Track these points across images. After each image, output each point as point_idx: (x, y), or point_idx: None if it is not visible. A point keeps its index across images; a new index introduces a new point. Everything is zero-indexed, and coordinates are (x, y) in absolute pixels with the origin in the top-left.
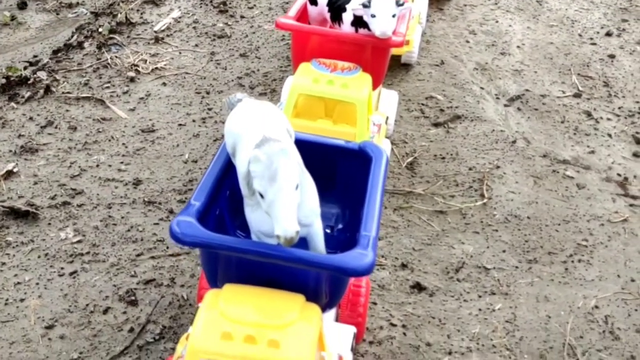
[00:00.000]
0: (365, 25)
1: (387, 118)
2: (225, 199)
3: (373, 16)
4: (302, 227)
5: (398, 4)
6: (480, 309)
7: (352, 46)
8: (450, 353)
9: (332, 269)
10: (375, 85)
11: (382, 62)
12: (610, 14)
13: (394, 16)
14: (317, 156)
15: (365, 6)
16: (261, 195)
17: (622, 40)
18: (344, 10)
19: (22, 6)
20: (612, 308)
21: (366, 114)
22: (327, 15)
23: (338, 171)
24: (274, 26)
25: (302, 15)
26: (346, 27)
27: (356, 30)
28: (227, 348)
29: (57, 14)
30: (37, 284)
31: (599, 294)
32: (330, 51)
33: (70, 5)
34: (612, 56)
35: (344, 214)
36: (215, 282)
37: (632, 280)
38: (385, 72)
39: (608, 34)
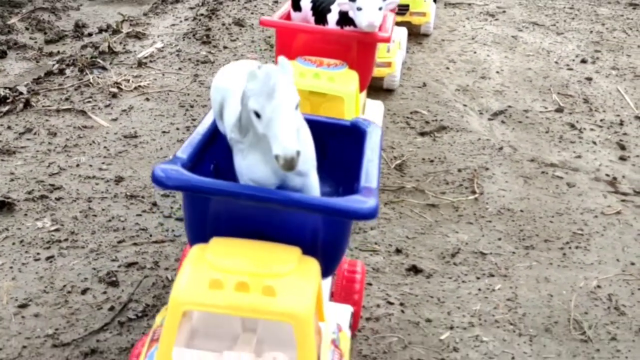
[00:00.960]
0: (350, 22)
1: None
2: (209, 171)
3: (359, 9)
4: (299, 176)
5: None
6: (479, 289)
7: (337, 44)
8: (451, 328)
9: (335, 212)
10: (362, 86)
11: (369, 59)
12: (583, 46)
13: (380, 9)
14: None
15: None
16: (257, 115)
17: (597, 66)
18: (329, 11)
19: (2, 55)
20: (615, 287)
21: (354, 111)
22: (312, 20)
23: (330, 149)
24: (258, 23)
25: (287, 19)
26: (331, 27)
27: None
28: (215, 297)
29: (37, 62)
30: (11, 267)
31: (599, 275)
32: (316, 50)
33: (50, 54)
34: (589, 78)
35: (338, 192)
36: (200, 238)
37: (632, 264)
38: (372, 72)
39: (583, 61)
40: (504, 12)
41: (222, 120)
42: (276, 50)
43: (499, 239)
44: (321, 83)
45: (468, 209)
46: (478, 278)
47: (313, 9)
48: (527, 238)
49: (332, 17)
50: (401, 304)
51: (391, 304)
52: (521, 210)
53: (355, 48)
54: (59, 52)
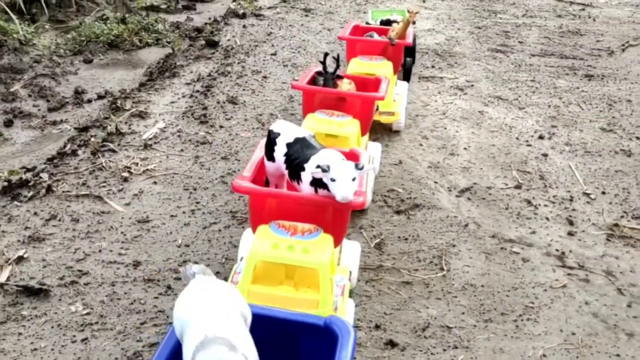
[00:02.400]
0: (325, 186)
1: (350, 273)
2: None
3: (333, 180)
4: None
5: (358, 168)
6: None
7: (312, 207)
8: None
9: None
10: (336, 244)
11: (343, 222)
12: (541, 121)
13: (354, 179)
14: (278, 332)
15: (324, 170)
16: None
17: (553, 142)
18: (303, 169)
19: (9, 124)
20: (557, 356)
21: (329, 279)
22: (285, 172)
23: (300, 349)
24: (248, 134)
25: (260, 172)
26: (305, 186)
27: (315, 191)
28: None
29: (42, 130)
30: (52, 349)
31: (545, 345)
32: (289, 212)
33: (54, 123)
34: (545, 155)
35: None
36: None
37: (573, 334)
38: (346, 230)
39: (541, 137)
40: (472, 85)
41: (182, 343)
42: (249, 213)
43: (463, 313)
44: (295, 255)
45: (437, 285)
46: (444, 350)
47: (287, 161)
48: (486, 312)
49: (307, 176)
50: None
51: None
52: (482, 285)
53: (330, 212)
54: (62, 120)
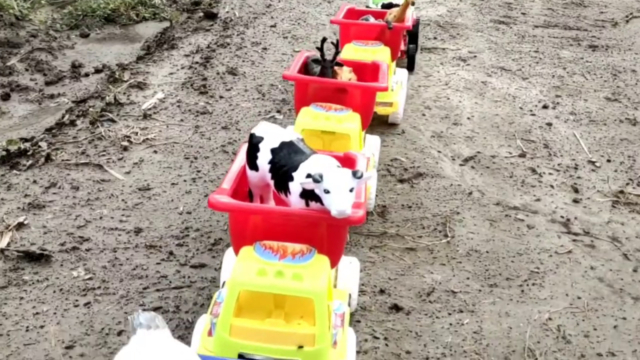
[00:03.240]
0: (318, 198)
1: (350, 295)
2: None
3: (327, 192)
4: None
5: (356, 176)
6: (450, 324)
7: (303, 224)
8: (427, 359)
9: None
10: (332, 265)
11: (340, 240)
12: (545, 91)
13: (351, 190)
14: None
15: (316, 180)
16: None
17: (557, 111)
18: (291, 178)
19: (6, 97)
20: (563, 319)
21: (326, 308)
22: (271, 183)
23: None
24: (249, 105)
25: (241, 183)
26: (294, 198)
27: (307, 204)
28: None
29: (40, 104)
30: (55, 313)
31: (551, 309)
32: (277, 230)
33: (52, 96)
34: (549, 124)
35: None
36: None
37: (579, 298)
38: (344, 248)
39: (545, 107)
40: (475, 57)
41: None
42: (230, 231)
43: (468, 278)
44: (285, 283)
45: (441, 251)
46: (449, 314)
47: (272, 170)
48: (491, 277)
49: (295, 187)
50: (385, 339)
51: (377, 338)
52: (487, 252)
53: (324, 229)
54: (59, 94)
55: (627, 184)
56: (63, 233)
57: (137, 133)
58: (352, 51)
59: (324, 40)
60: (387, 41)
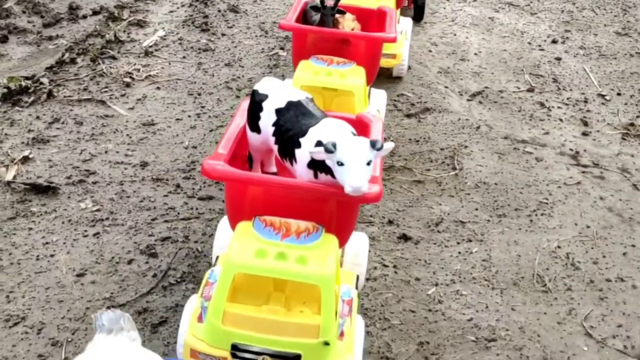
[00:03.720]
0: (329, 169)
1: (357, 277)
2: None
3: (340, 164)
4: None
5: (375, 148)
6: (459, 252)
7: (310, 198)
8: (436, 285)
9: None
10: (340, 244)
11: (351, 219)
12: (554, 26)
13: (369, 163)
14: None
15: (328, 150)
16: None
17: (567, 46)
18: (298, 145)
19: (4, 40)
20: (572, 247)
21: (333, 296)
22: (274, 148)
23: None
24: (252, 43)
25: (241, 145)
26: (301, 168)
27: (315, 175)
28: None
29: (38, 46)
30: (64, 243)
31: (560, 237)
32: (279, 204)
33: (50, 38)
34: (558, 59)
35: None
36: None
37: (588, 227)
38: (354, 227)
39: (554, 42)
40: None
41: None
42: (226, 204)
43: (476, 209)
44: (289, 266)
45: (450, 184)
46: (458, 243)
47: (277, 133)
48: (500, 207)
49: (303, 155)
50: (394, 266)
51: (386, 266)
52: (495, 184)
53: (334, 206)
54: (57, 35)
55: (638, 116)
56: (69, 166)
57: (139, 70)
58: None
59: None
60: None
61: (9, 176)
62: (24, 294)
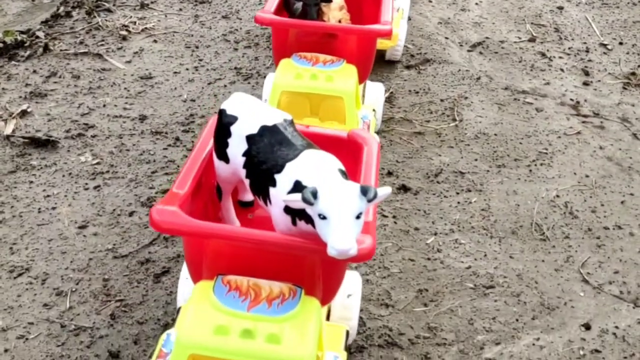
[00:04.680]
0: (309, 216)
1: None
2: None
3: (323, 217)
4: None
5: (367, 197)
6: (458, 202)
7: (285, 256)
8: (435, 234)
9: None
10: (325, 302)
11: (338, 275)
12: None
13: (359, 217)
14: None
15: (307, 201)
16: None
17: None
18: (273, 182)
19: None
20: (571, 196)
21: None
22: (246, 182)
23: None
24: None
25: (207, 173)
26: (276, 211)
27: (293, 222)
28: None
29: (33, 1)
30: (66, 196)
31: (559, 187)
32: (248, 261)
33: None
34: (560, 8)
35: None
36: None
37: (587, 176)
38: (340, 286)
39: None
40: None
41: None
42: None
43: (476, 160)
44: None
45: (449, 135)
46: (457, 193)
47: (247, 165)
48: (499, 158)
49: (278, 196)
50: (394, 217)
51: (385, 216)
52: (495, 134)
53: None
54: None
55: (639, 66)
56: (67, 120)
57: (135, 23)
58: None
59: None
60: None
61: (8, 130)
62: (27, 245)
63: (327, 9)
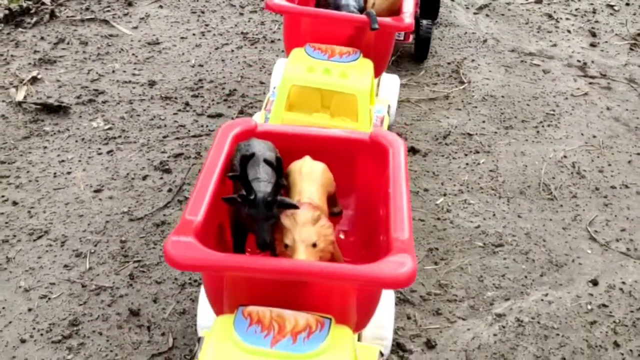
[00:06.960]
0: None
1: (389, 106)
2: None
3: None
4: None
5: None
6: (467, 163)
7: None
8: (445, 195)
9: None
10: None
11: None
12: None
13: None
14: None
15: None
16: None
17: None
18: None
19: None
20: (578, 157)
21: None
22: None
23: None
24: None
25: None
26: None
27: None
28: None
29: None
30: (80, 160)
31: (566, 147)
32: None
33: None
34: None
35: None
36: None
37: (594, 137)
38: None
39: None
40: None
41: None
42: None
43: (483, 122)
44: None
45: (457, 97)
46: (466, 155)
47: None
48: (507, 120)
49: None
50: None
51: None
52: (502, 96)
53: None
54: None
55: None
56: (77, 86)
57: None
58: None
59: None
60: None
61: (20, 96)
62: (45, 209)
63: None
